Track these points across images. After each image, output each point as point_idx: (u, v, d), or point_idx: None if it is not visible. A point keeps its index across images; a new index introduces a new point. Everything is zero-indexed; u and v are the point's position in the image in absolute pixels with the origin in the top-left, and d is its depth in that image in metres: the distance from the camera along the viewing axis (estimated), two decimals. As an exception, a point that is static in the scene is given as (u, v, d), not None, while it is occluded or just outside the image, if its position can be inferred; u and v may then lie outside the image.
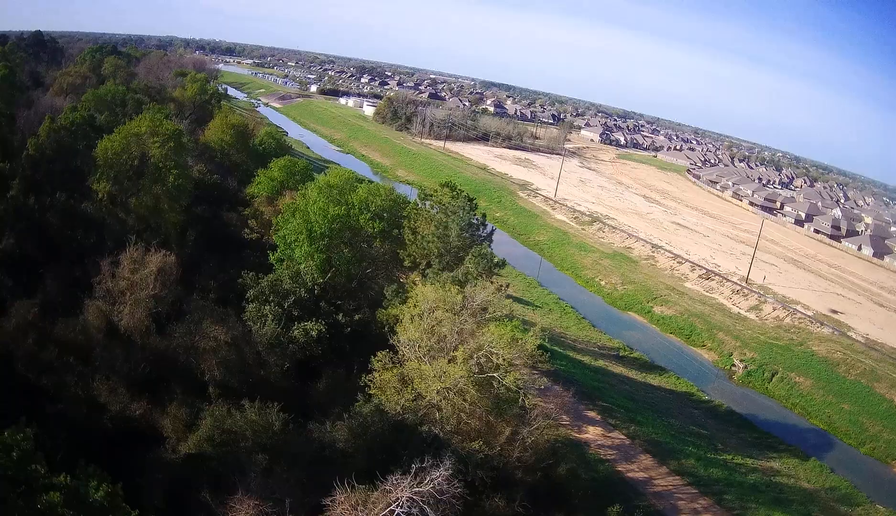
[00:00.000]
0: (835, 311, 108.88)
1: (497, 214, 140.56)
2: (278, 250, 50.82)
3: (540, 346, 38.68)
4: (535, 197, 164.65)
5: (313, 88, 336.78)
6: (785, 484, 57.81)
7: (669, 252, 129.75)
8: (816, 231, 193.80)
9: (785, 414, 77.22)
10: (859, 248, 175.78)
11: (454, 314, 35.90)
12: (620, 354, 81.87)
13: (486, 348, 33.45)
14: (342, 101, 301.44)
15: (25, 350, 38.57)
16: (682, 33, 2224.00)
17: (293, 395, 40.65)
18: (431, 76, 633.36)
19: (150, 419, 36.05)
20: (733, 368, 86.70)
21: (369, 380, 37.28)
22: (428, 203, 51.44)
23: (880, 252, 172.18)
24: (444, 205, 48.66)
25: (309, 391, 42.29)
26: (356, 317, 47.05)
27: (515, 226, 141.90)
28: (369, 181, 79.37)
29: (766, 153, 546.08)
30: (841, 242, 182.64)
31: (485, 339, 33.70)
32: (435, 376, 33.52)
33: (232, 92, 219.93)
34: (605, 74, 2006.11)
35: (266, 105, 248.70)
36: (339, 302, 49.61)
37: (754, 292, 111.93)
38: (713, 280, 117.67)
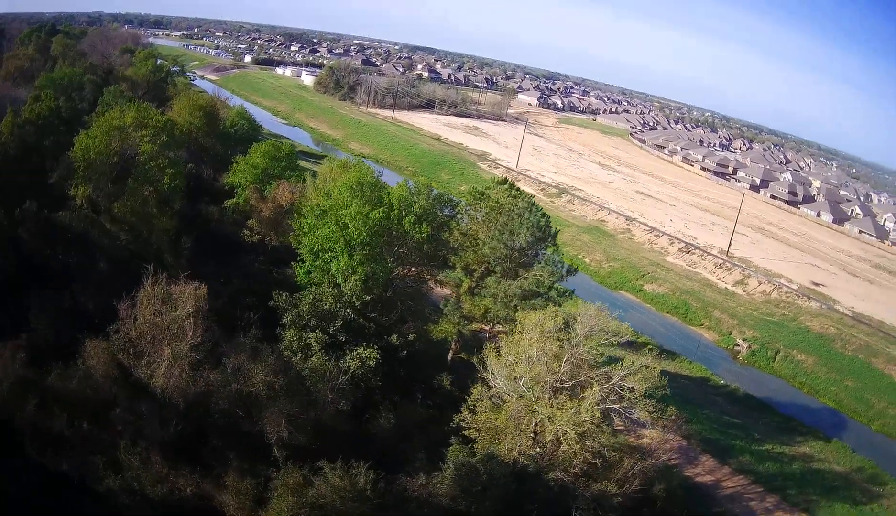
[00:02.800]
0: (816, 284, 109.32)
1: (462, 188, 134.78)
2: (306, 263, 43.42)
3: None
4: (497, 168, 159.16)
5: (247, 59, 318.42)
6: (825, 469, 57.31)
7: (644, 224, 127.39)
8: (773, 197, 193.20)
9: (795, 394, 76.35)
10: (818, 214, 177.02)
11: (562, 342, 30.65)
12: (630, 340, 78.49)
13: (618, 380, 28.53)
14: (279, 71, 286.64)
15: (27, 417, 29.68)
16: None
17: (355, 440, 34.33)
18: (357, 42, 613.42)
19: (204, 495, 28.97)
20: (736, 348, 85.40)
21: (462, 421, 31.56)
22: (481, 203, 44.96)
23: (839, 218, 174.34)
24: (501, 204, 42.66)
25: (372, 431, 35.92)
26: (410, 336, 40.62)
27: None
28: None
29: (696, 113, 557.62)
30: (799, 208, 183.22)
31: (615, 372, 28.75)
32: (567, 419, 28.09)
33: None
34: (527, 36, 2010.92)
35: (202, 78, 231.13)
36: (374, 315, 43.12)
37: (737, 266, 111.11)
38: (694, 254, 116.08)
